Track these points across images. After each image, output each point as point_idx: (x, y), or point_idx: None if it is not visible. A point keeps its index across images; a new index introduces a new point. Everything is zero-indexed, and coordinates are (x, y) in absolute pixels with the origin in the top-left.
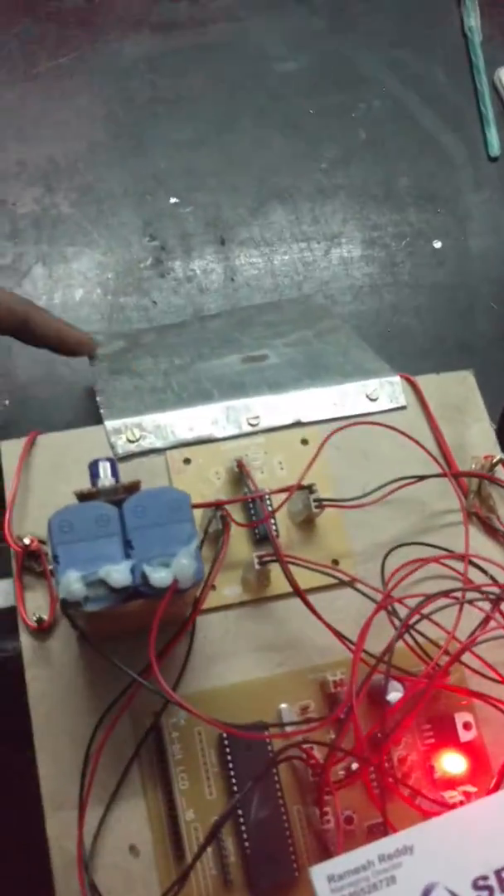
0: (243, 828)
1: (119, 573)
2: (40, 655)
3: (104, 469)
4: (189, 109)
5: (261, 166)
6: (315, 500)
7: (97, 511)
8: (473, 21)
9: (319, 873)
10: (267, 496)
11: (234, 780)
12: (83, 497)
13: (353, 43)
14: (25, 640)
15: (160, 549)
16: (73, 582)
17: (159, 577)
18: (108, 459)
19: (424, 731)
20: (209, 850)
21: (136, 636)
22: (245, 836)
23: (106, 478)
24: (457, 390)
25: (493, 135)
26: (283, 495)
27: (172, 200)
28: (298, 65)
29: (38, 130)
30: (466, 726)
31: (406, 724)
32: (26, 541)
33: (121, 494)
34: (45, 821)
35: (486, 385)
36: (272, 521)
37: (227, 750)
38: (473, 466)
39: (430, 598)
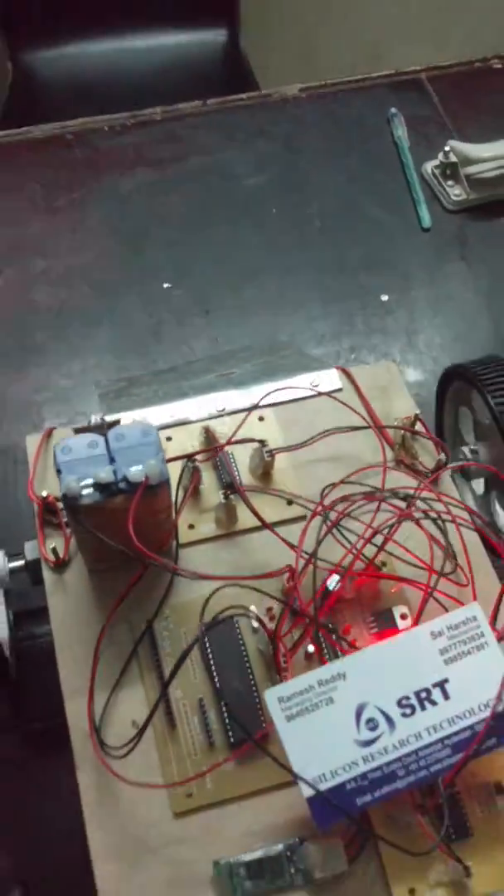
0: (224, 703)
1: (105, 473)
2: (58, 585)
3: (95, 416)
4: (176, 220)
5: (235, 256)
6: (267, 451)
7: (89, 439)
8: (401, 132)
9: (271, 695)
10: (229, 451)
11: (212, 664)
12: (79, 430)
13: (305, 158)
14: (47, 574)
15: (135, 459)
16: (70, 482)
17: (134, 471)
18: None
19: (369, 623)
20: (195, 718)
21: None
22: (224, 703)
23: (95, 418)
24: (383, 375)
25: (424, 212)
26: (247, 454)
27: (165, 286)
28: (261, 179)
29: (58, 247)
30: (403, 616)
31: (340, 594)
32: (44, 493)
33: (106, 429)
34: (66, 707)
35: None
36: (234, 467)
37: (207, 641)
38: (396, 423)
39: (351, 497)
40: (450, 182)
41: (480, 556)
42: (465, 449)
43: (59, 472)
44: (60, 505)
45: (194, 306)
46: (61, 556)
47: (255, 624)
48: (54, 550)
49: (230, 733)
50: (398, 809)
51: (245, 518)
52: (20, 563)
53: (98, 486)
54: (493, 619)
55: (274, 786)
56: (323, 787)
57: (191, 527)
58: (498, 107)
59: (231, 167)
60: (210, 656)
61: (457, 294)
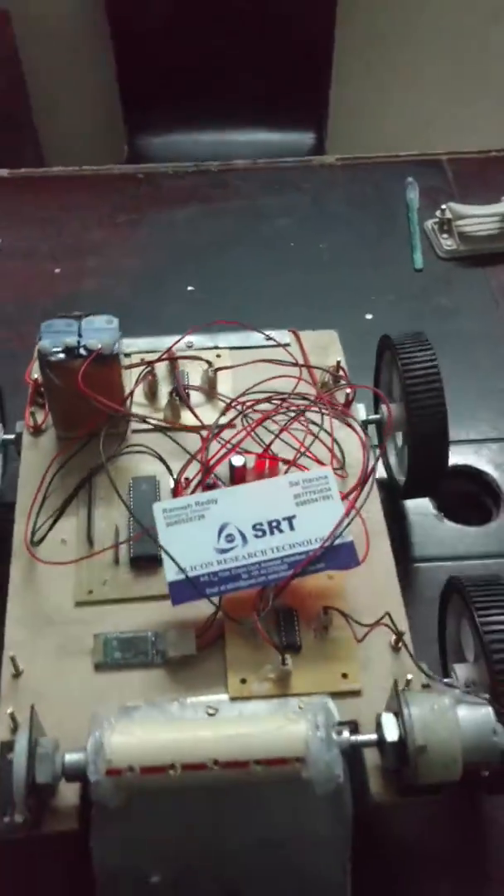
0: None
1: (70, 339)
2: (32, 444)
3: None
4: (211, 244)
5: (252, 271)
6: (212, 370)
7: (67, 321)
8: (413, 195)
9: (158, 507)
10: (182, 369)
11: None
12: (61, 317)
13: (327, 209)
14: (25, 436)
15: (96, 336)
16: (45, 344)
17: (92, 342)
18: None
19: None
20: (108, 541)
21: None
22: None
23: (73, 311)
24: (324, 340)
25: (418, 256)
26: (198, 374)
27: (189, 288)
28: (287, 221)
29: (111, 252)
30: None
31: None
32: (35, 376)
33: (82, 318)
34: (14, 527)
35: None
36: (184, 379)
37: (130, 488)
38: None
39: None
40: (444, 235)
41: (357, 461)
42: (383, 407)
43: (39, 339)
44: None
45: (207, 303)
46: (39, 423)
47: (171, 479)
48: (34, 419)
49: (131, 552)
50: (244, 616)
51: (187, 419)
52: (11, 435)
53: (65, 349)
54: (356, 497)
55: (153, 596)
56: (180, 578)
57: (144, 420)
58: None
59: (265, 210)
60: (131, 501)
61: (431, 322)
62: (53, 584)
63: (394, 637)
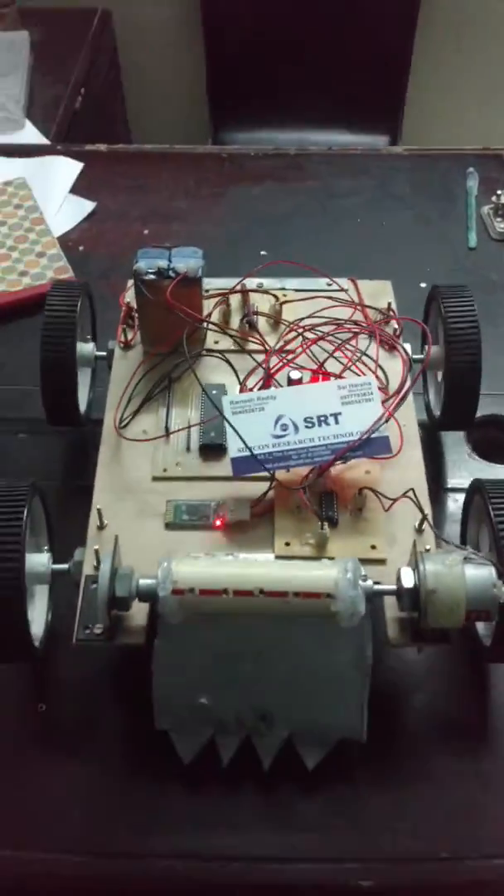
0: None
1: (163, 262)
2: (122, 357)
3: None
4: (283, 217)
5: (319, 242)
6: (279, 303)
7: (160, 250)
8: (472, 183)
9: (226, 399)
10: (253, 302)
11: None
12: (155, 247)
13: (392, 191)
14: (117, 350)
15: (184, 262)
16: (140, 266)
17: (180, 266)
18: None
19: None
20: (181, 435)
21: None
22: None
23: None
24: (379, 287)
25: (472, 236)
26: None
27: (262, 253)
28: (355, 200)
29: (193, 219)
30: None
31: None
32: (128, 300)
33: (171, 248)
34: (104, 419)
35: None
36: (253, 307)
37: (203, 391)
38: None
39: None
40: (498, 219)
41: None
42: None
43: (135, 262)
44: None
45: (278, 267)
46: (129, 339)
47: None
48: (125, 335)
49: (200, 441)
50: (292, 494)
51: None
52: (104, 352)
53: (157, 271)
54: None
55: (216, 476)
56: (243, 454)
57: (216, 342)
58: None
59: (335, 189)
60: (203, 403)
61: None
62: (134, 462)
63: (417, 521)
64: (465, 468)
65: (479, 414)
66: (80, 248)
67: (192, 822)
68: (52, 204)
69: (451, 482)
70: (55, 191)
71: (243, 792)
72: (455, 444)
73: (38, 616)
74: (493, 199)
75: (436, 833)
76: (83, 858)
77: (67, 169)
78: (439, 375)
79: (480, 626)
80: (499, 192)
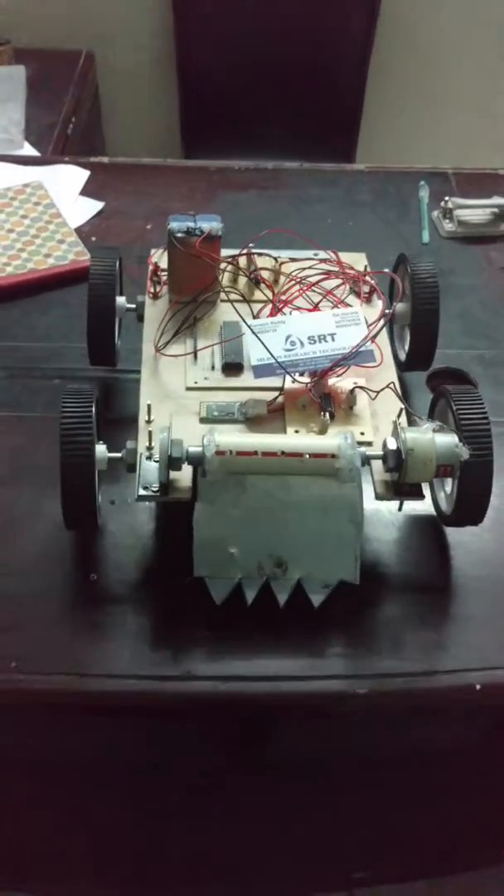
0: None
1: (191, 223)
2: (151, 306)
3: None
4: (262, 217)
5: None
6: (279, 263)
7: (185, 215)
8: (423, 193)
9: (249, 322)
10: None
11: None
12: (181, 214)
13: (356, 199)
14: (147, 300)
15: (207, 223)
16: (173, 225)
17: (205, 225)
18: None
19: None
20: (208, 353)
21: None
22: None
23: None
24: (355, 257)
25: (425, 234)
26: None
27: (250, 245)
28: (325, 206)
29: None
30: None
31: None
32: (155, 260)
33: (195, 215)
34: (143, 350)
35: None
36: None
37: (222, 328)
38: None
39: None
40: (446, 220)
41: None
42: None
43: (168, 224)
44: (162, 266)
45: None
46: (156, 291)
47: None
48: (155, 288)
49: (224, 360)
50: (300, 395)
51: (259, 295)
52: (133, 305)
53: (186, 230)
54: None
55: (237, 387)
56: (263, 362)
57: (231, 291)
58: (494, 192)
59: (307, 197)
60: (222, 334)
61: None
62: (170, 377)
63: (395, 414)
64: (426, 402)
65: (434, 367)
66: (93, 238)
67: (221, 650)
68: (66, 203)
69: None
70: (67, 192)
71: (263, 625)
72: (417, 388)
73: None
74: (442, 204)
75: (412, 654)
76: (135, 681)
77: (76, 175)
78: (406, 334)
79: (443, 501)
80: (446, 198)
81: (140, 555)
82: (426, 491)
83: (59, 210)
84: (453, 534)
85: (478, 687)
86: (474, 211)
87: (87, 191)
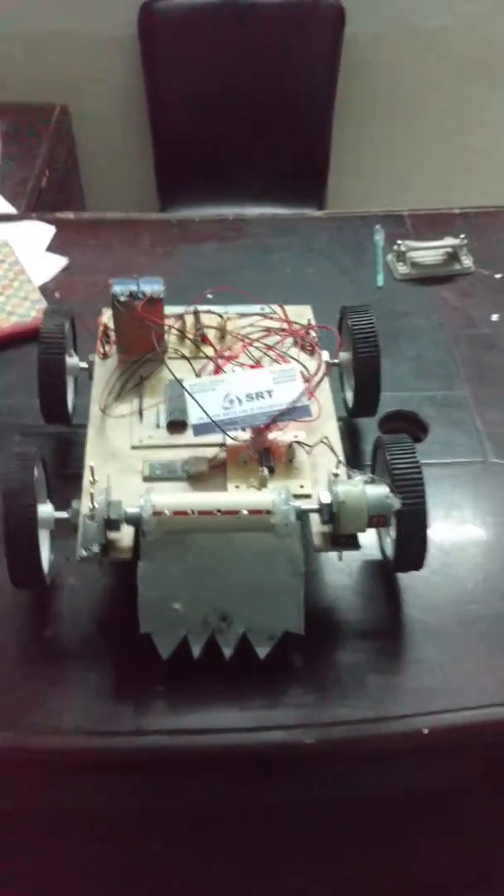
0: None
1: (133, 287)
2: (101, 365)
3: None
4: (229, 272)
5: (259, 291)
6: (224, 320)
7: (129, 279)
8: (378, 237)
9: (187, 382)
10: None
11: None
12: (124, 277)
13: (315, 246)
14: (97, 360)
15: (149, 287)
16: (116, 289)
17: (147, 289)
18: None
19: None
20: (153, 413)
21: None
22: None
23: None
24: (301, 310)
25: (380, 278)
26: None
27: (209, 296)
28: (284, 255)
29: (153, 273)
30: None
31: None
32: (104, 321)
33: (139, 277)
34: (90, 409)
35: None
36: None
37: (167, 387)
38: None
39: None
40: (400, 263)
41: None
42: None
43: (111, 287)
44: (110, 326)
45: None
46: (106, 351)
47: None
48: (103, 348)
49: (168, 418)
50: (241, 452)
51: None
52: (85, 364)
53: (130, 294)
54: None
55: (181, 445)
56: (203, 420)
57: (175, 351)
58: (448, 232)
59: (266, 246)
60: (168, 395)
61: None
62: (116, 436)
63: (334, 466)
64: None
65: (386, 410)
66: (56, 294)
67: (170, 704)
68: (31, 260)
69: (367, 458)
70: (33, 249)
71: (215, 678)
72: (371, 431)
73: (44, 554)
74: (395, 247)
75: (361, 701)
76: (87, 738)
77: (42, 232)
78: (352, 382)
79: (388, 547)
80: (398, 241)
81: (96, 610)
82: (373, 538)
83: (23, 267)
84: (404, 578)
85: (425, 731)
86: (427, 252)
87: (53, 247)
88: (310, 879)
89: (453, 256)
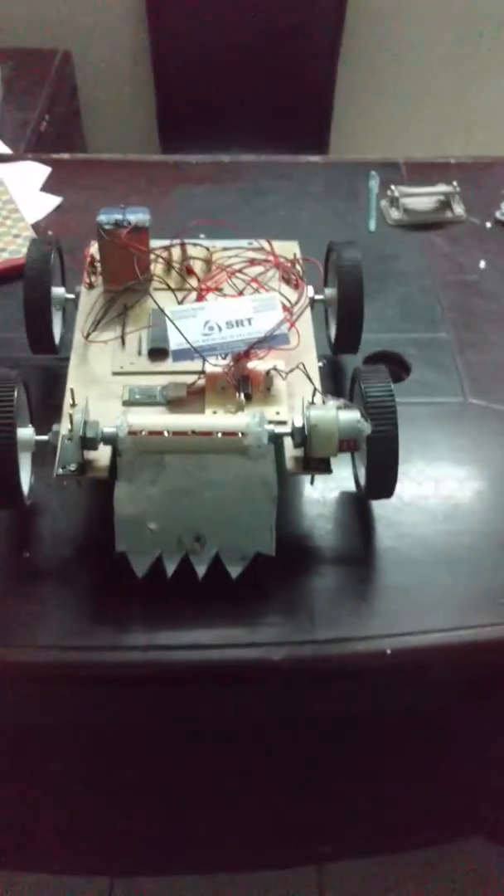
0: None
1: (119, 216)
2: (86, 294)
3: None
4: (223, 213)
5: (252, 232)
6: (209, 250)
7: (115, 208)
8: (373, 183)
9: (168, 308)
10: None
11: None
12: (111, 207)
13: (311, 189)
14: (83, 290)
15: (135, 217)
16: (102, 217)
17: (132, 217)
18: None
19: None
20: (137, 337)
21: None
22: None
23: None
24: (288, 246)
25: (372, 223)
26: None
27: (201, 235)
28: (279, 197)
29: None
30: None
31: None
32: (91, 252)
33: (125, 207)
34: (73, 338)
35: None
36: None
37: (150, 315)
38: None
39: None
40: (393, 209)
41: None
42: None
43: (98, 217)
44: (97, 257)
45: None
46: (91, 282)
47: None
48: (90, 278)
49: (150, 345)
50: (220, 379)
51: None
52: (72, 295)
53: (115, 222)
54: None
55: (161, 371)
56: (181, 346)
57: (160, 281)
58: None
59: (260, 189)
60: (151, 322)
61: (378, 264)
62: (98, 363)
63: (309, 394)
64: None
65: (370, 351)
66: (49, 232)
67: (145, 622)
68: (26, 198)
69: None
70: (27, 188)
71: (188, 598)
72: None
73: (24, 477)
74: (388, 192)
75: (329, 623)
76: (64, 652)
77: (37, 172)
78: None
79: (361, 476)
80: (392, 186)
81: (75, 533)
82: (349, 470)
83: (17, 206)
84: (377, 507)
85: (388, 652)
86: (419, 199)
87: (48, 187)
88: (282, 794)
89: (445, 204)
